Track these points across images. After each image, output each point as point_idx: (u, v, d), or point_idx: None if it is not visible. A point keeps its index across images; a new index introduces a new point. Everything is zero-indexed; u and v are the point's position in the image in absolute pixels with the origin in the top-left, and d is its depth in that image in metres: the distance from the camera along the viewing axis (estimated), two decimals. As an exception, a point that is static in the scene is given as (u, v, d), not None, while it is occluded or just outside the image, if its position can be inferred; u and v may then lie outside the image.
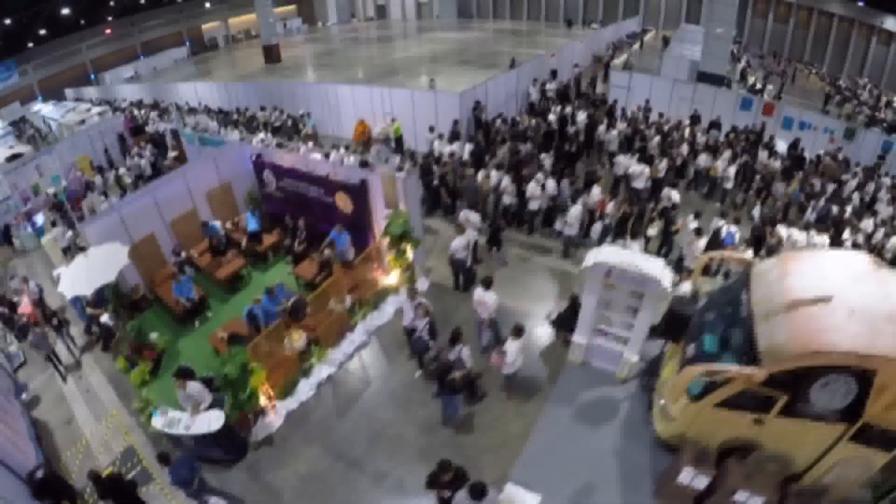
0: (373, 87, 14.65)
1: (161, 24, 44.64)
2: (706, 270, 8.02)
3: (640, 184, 10.16)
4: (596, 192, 8.98)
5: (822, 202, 10.79)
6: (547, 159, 10.29)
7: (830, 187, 12.24)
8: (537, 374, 6.99)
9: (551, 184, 9.06)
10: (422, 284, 8.75)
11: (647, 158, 10.59)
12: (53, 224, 12.96)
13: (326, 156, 12.10)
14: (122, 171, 16.40)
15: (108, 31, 42.27)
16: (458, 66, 25.51)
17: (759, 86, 24.35)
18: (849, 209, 11.02)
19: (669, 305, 6.04)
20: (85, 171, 16.69)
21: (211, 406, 6.15)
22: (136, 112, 23.36)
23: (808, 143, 14.83)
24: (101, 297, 8.39)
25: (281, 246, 10.27)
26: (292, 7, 51.08)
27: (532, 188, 9.00)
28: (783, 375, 4.68)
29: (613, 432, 6.13)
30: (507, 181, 9.14)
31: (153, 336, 8.06)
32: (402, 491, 5.79)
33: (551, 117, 13.26)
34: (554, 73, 18.16)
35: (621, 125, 12.67)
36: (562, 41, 26.55)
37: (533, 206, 8.92)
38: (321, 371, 7.55)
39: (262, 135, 14.20)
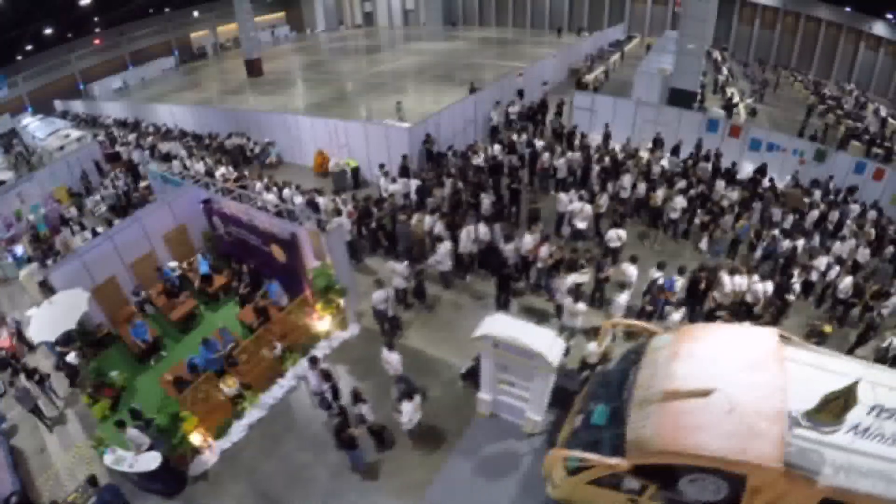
0: (328, 119, 14.84)
1: (150, 34, 44.95)
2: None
3: (581, 223, 10.21)
4: (528, 239, 8.99)
5: (771, 238, 10.47)
6: (486, 199, 10.38)
7: (790, 218, 11.79)
8: (446, 425, 7.27)
9: (483, 229, 9.16)
10: (353, 329, 9.04)
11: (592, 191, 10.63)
12: (29, 260, 13.43)
13: (280, 189, 12.29)
14: (96, 198, 16.71)
15: (97, 41, 42.53)
16: (432, 82, 25.68)
17: (735, 99, 24.25)
18: (801, 244, 10.63)
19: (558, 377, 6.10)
20: (62, 201, 17.05)
21: (151, 447, 6.93)
22: (116, 133, 23.72)
23: (777, 166, 14.72)
24: (69, 336, 9.08)
25: (230, 287, 10.71)
26: (281, 14, 51.21)
27: (463, 237, 9.13)
28: (649, 467, 4.59)
29: (512, 486, 6.33)
30: (440, 226, 9.25)
31: (113, 374, 8.77)
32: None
33: (495, 147, 13.21)
34: (521, 93, 18.17)
35: (574, 154, 12.63)
36: (545, 50, 26.66)
37: (464, 250, 8.99)
38: (253, 414, 8.07)
39: (223, 169, 14.39)
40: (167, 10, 43.77)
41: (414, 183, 11.25)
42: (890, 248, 10.92)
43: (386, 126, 13.52)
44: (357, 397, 6.53)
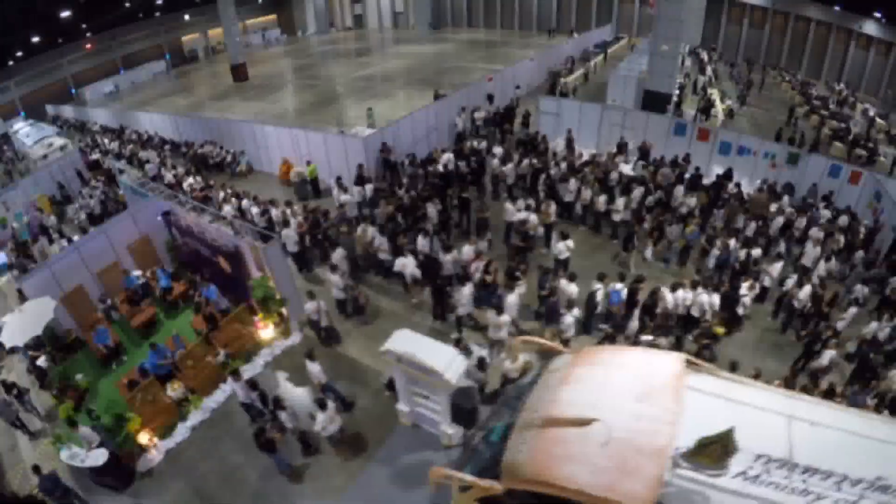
0: (291, 129, 15.19)
1: (141, 38, 45.43)
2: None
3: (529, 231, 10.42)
4: (467, 250, 9.22)
5: (724, 245, 10.20)
6: (431, 208, 10.63)
7: (752, 225, 11.48)
8: (371, 433, 7.65)
9: (422, 241, 9.41)
10: (294, 338, 9.40)
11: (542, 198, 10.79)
12: (10, 267, 13.95)
13: (239, 200, 12.60)
14: (74, 207, 17.13)
15: (88, 46, 43.03)
16: (409, 87, 25.99)
17: (715, 100, 24.30)
18: (756, 252, 10.29)
19: (451, 394, 6.25)
20: (44, 209, 17.50)
21: (101, 445, 7.51)
22: (100, 140, 24.18)
23: (749, 170, 14.52)
24: (40, 341, 9.71)
25: (188, 295, 11.18)
26: (273, 17, 51.63)
27: (400, 261, 9.33)
28: (523, 492, 4.37)
29: (423, 497, 6.48)
30: (380, 239, 9.52)
31: (78, 377, 9.37)
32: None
33: (446, 155, 13.34)
34: (490, 98, 18.36)
35: (523, 161, 12.81)
36: (530, 52, 26.84)
37: (399, 269, 9.25)
38: (196, 416, 8.60)
39: (190, 179, 14.76)
40: (158, 14, 44.11)
41: (369, 187, 11.51)
42: (860, 254, 10.73)
43: (343, 136, 13.76)
44: (277, 404, 6.83)
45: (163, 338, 10.00)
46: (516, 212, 10.48)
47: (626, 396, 4.53)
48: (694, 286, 8.86)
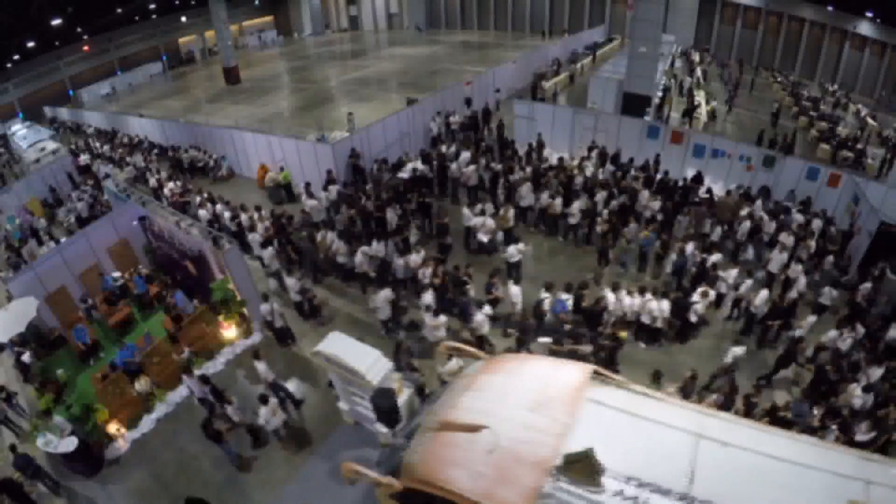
0: (267, 135, 15.78)
1: (138, 40, 46.16)
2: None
3: (484, 237, 10.83)
4: (414, 257, 9.62)
5: (679, 250, 10.32)
6: (391, 213, 11.06)
7: (718, 230, 11.54)
8: (316, 429, 8.22)
9: (375, 245, 9.86)
10: (255, 337, 9.87)
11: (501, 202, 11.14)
12: None
13: (214, 204, 13.11)
14: (65, 210, 17.74)
15: (86, 48, 43.77)
16: (395, 90, 26.47)
17: (700, 102, 24.43)
18: (715, 258, 10.20)
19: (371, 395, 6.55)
20: (35, 212, 18.14)
21: (72, 433, 8.18)
22: (92, 143, 24.82)
23: (724, 173, 14.46)
24: (25, 338, 10.48)
25: (162, 296, 11.77)
26: (270, 18, 52.27)
27: (359, 258, 9.85)
28: (417, 492, 4.54)
29: (358, 492, 6.84)
30: (339, 243, 9.98)
31: (59, 372, 10.10)
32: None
33: (410, 166, 13.69)
34: (468, 102, 18.73)
35: (496, 164, 13.20)
36: (521, 53, 27.18)
37: (360, 269, 9.70)
38: (161, 409, 9.27)
39: (171, 185, 15.30)
40: (154, 16, 44.79)
41: (334, 189, 11.99)
42: (829, 259, 10.68)
43: (313, 142, 14.25)
44: (223, 398, 7.28)
45: (136, 336, 10.70)
46: (473, 216, 10.86)
47: (520, 406, 4.64)
48: (642, 291, 8.98)
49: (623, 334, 8.38)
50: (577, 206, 11.41)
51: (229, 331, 10.00)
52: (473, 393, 4.99)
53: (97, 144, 24.92)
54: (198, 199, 13.91)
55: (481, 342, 8.17)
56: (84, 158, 21.09)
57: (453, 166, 13.05)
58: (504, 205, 11.39)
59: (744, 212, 12.04)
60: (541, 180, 12.69)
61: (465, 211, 11.07)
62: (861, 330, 8.86)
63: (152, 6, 41.53)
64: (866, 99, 34.63)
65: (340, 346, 6.56)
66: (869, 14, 32.72)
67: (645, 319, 8.97)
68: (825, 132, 22.35)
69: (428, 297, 8.62)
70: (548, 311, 8.54)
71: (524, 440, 4.33)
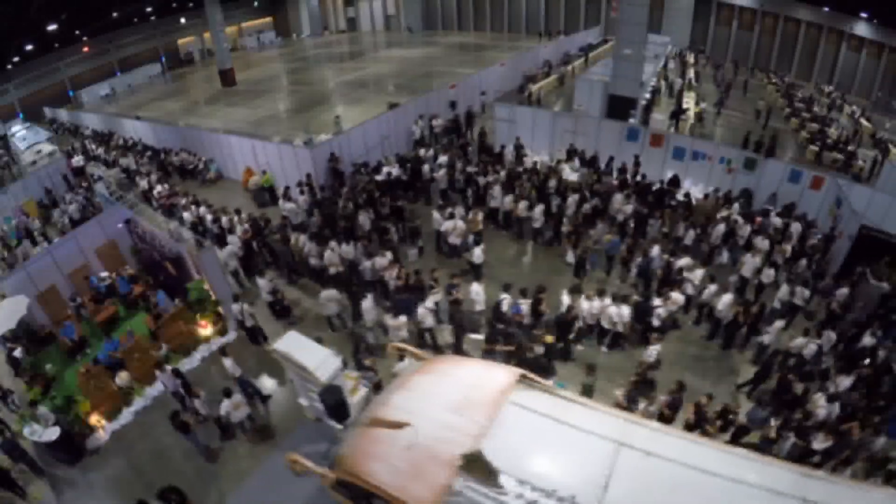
0: (252, 139, 16.51)
1: (138, 41, 46.95)
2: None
3: (455, 240, 11.21)
4: (380, 260, 10.00)
5: (643, 253, 10.49)
6: (363, 217, 11.47)
7: (691, 233, 11.58)
8: (280, 423, 8.71)
9: (345, 248, 10.29)
10: (231, 335, 10.31)
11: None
12: None
13: (198, 207, 13.61)
14: (60, 211, 18.33)
15: (85, 49, 44.55)
16: (386, 92, 26.90)
17: (689, 104, 24.58)
18: (683, 262, 10.35)
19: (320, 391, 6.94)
20: (31, 213, 18.74)
21: (56, 424, 8.72)
22: (88, 146, 25.46)
23: (704, 175, 14.61)
24: (17, 334, 11.08)
25: (146, 296, 12.32)
26: (269, 19, 52.94)
27: (328, 255, 10.26)
28: (348, 483, 4.81)
29: (314, 484, 7.24)
30: (310, 245, 10.42)
31: (48, 367, 10.74)
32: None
33: (385, 170, 14.06)
34: (453, 105, 19.11)
35: (471, 167, 13.59)
36: (515, 55, 27.53)
37: (331, 270, 10.13)
38: (139, 403, 9.81)
39: (159, 188, 15.88)
40: (153, 17, 45.50)
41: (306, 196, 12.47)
42: (803, 262, 10.71)
43: (293, 146, 14.72)
44: (190, 392, 7.73)
45: (121, 333, 11.19)
46: (443, 220, 11.26)
47: (443, 406, 4.88)
48: (601, 295, 9.11)
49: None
50: (539, 209, 11.73)
51: (206, 329, 10.45)
52: (404, 392, 5.30)
53: (93, 146, 25.55)
54: (182, 201, 14.40)
55: (422, 335, 8.61)
56: (77, 160, 21.66)
57: (425, 168, 13.45)
58: (473, 208, 11.75)
59: (721, 215, 12.10)
60: (514, 183, 13.05)
61: (436, 215, 11.49)
62: (832, 337, 8.82)
63: (149, 9, 42.07)
64: (863, 100, 34.69)
65: (295, 345, 7.01)
66: (864, 14, 32.81)
67: (605, 324, 9.10)
68: (815, 134, 22.33)
69: (367, 303, 9.08)
70: (506, 311, 8.86)
71: (441, 439, 4.55)
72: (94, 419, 9.34)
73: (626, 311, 8.91)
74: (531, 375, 5.37)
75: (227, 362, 8.44)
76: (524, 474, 4.30)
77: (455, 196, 13.48)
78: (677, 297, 9.49)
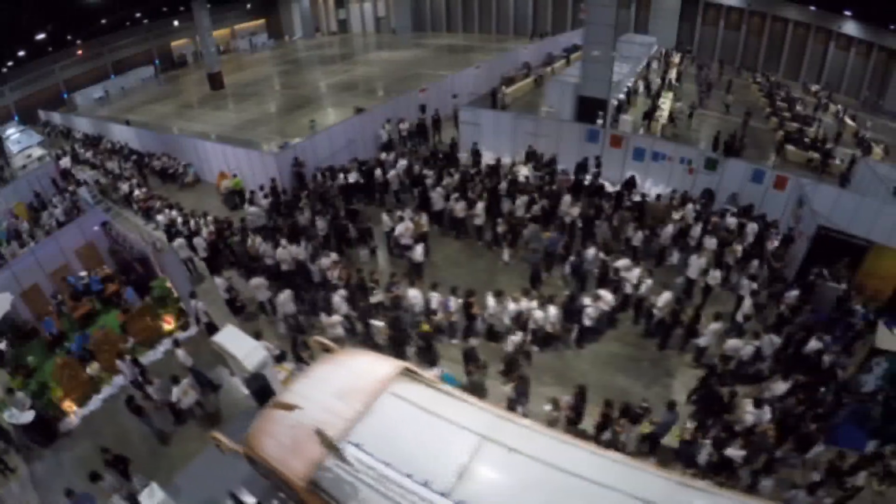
0: (224, 144, 17.61)
1: (131, 44, 48.22)
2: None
3: (406, 240, 12.10)
4: (325, 261, 10.84)
5: (576, 253, 10.95)
6: (320, 222, 12.38)
7: (639, 234, 11.87)
8: (227, 410, 9.70)
9: (294, 248, 11.25)
10: (192, 330, 11.25)
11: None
12: None
13: (170, 209, 14.63)
14: (46, 214, 19.43)
15: (80, 52, 45.82)
16: (365, 95, 27.92)
17: (665, 104, 25.05)
18: (620, 263, 10.66)
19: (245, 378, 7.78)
20: (21, 216, 19.85)
21: (32, 408, 9.76)
22: (77, 149, 26.63)
23: (664, 176, 15.00)
24: (1, 329, 12.21)
25: (120, 293, 13.34)
26: (261, 21, 54.10)
27: (279, 252, 11.20)
28: (251, 457, 5.62)
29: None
30: (265, 246, 11.38)
31: (30, 358, 11.69)
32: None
33: (341, 176, 14.81)
34: (423, 108, 19.99)
35: (427, 171, 14.48)
36: (488, 58, 28.40)
37: (283, 267, 11.07)
38: (107, 390, 10.92)
39: (137, 191, 17.04)
40: (146, 21, 46.71)
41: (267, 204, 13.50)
42: (755, 263, 10.86)
43: (260, 152, 15.72)
44: (145, 378, 8.69)
45: (96, 328, 12.34)
46: (391, 222, 12.16)
47: (330, 392, 5.50)
48: (526, 295, 9.49)
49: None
50: (480, 207, 12.54)
51: (169, 324, 11.48)
52: (305, 379, 6.05)
53: (82, 150, 26.69)
54: (157, 204, 15.42)
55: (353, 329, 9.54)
56: (64, 162, 22.78)
57: (377, 172, 14.41)
58: (417, 211, 12.63)
59: (676, 216, 12.50)
60: (467, 185, 13.90)
61: (384, 217, 12.39)
62: (775, 340, 8.96)
63: (138, 14, 43.23)
64: (852, 99, 35.22)
65: (229, 337, 7.98)
66: (847, 13, 33.30)
67: (532, 325, 9.37)
68: (793, 133, 22.78)
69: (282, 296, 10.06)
70: (435, 307, 9.71)
71: (321, 421, 5.07)
72: (67, 405, 10.49)
73: (552, 312, 9.25)
74: (414, 369, 5.96)
75: (180, 353, 9.44)
76: (387, 457, 4.86)
77: (407, 198, 14.36)
78: (607, 296, 9.76)
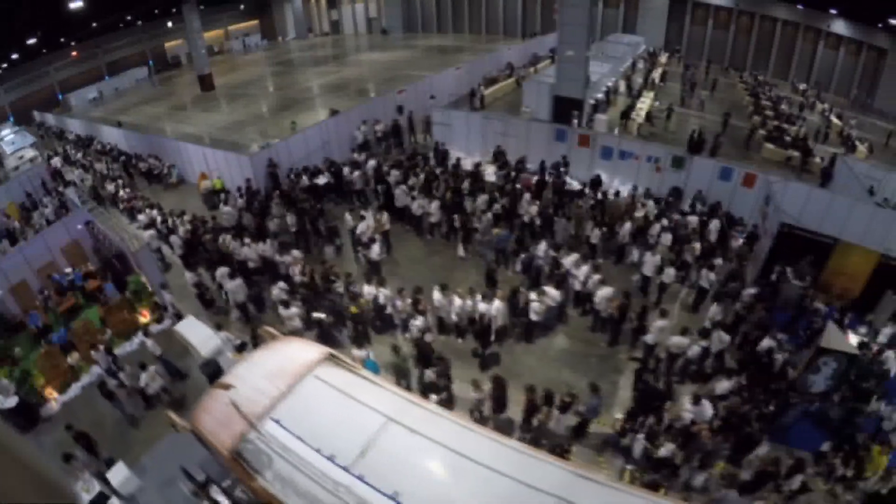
0: (204, 147, 18.76)
1: (125, 45, 49.31)
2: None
3: (366, 238, 12.89)
4: (287, 257, 11.67)
5: (525, 249, 11.51)
6: (289, 218, 13.20)
7: (596, 232, 12.32)
8: (192, 395, 10.27)
9: (260, 246, 12.10)
10: (167, 323, 12.14)
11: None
12: None
13: (152, 209, 15.50)
14: (37, 214, 20.37)
15: (74, 53, 46.91)
16: (349, 96, 28.82)
17: (639, 105, 25.55)
18: (569, 259, 11.07)
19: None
20: (12, 215, 20.75)
21: (15, 394, 10.64)
22: (69, 150, 27.63)
23: (632, 175, 15.42)
24: None
25: (101, 288, 14.20)
26: (255, 22, 55.10)
27: (245, 251, 12.11)
28: (195, 432, 6.21)
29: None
30: (234, 244, 12.29)
31: (16, 350, 12.57)
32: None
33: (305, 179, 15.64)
34: (400, 109, 20.78)
35: (396, 171, 15.28)
36: (488, 56, 29.10)
37: (250, 264, 11.93)
38: (86, 378, 11.81)
39: (122, 192, 18.07)
40: (140, 22, 47.74)
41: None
42: (718, 262, 11.03)
43: (238, 155, 16.60)
44: (117, 366, 9.53)
45: (79, 321, 13.11)
46: (352, 221, 12.96)
47: (262, 374, 6.11)
48: (471, 293, 9.89)
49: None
50: (434, 204, 13.35)
51: (146, 317, 12.36)
52: (246, 363, 6.77)
53: (73, 151, 27.67)
54: (139, 204, 16.31)
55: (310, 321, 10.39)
56: (55, 162, 23.75)
57: (345, 170, 15.24)
58: (378, 210, 13.48)
59: (639, 213, 12.99)
60: (432, 185, 14.70)
61: (347, 216, 13.21)
62: (724, 337, 9.14)
63: (129, 17, 44.18)
64: (842, 98, 35.74)
65: (189, 327, 8.84)
66: (833, 11, 33.81)
67: (477, 318, 9.77)
68: (773, 132, 23.26)
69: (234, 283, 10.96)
70: (383, 303, 10.45)
71: (249, 398, 5.75)
72: (48, 392, 11.39)
73: (497, 305, 9.57)
74: (338, 355, 6.63)
75: (149, 342, 10.34)
76: (302, 432, 5.51)
77: (372, 197, 15.19)
78: (552, 292, 10.14)
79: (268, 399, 5.78)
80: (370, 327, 10.80)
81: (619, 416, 8.26)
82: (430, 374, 8.64)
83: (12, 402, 10.43)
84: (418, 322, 9.51)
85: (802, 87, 35.76)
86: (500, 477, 4.81)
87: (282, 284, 10.82)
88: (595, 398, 8.12)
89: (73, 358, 11.75)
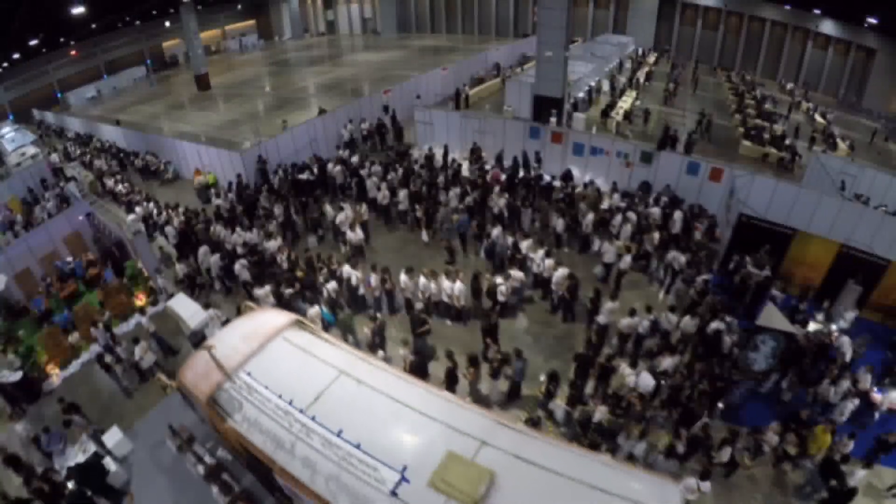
0: (198, 144, 20.15)
1: (124, 44, 50.85)
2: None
3: (345, 227, 14.20)
4: (272, 243, 12.93)
5: (487, 235, 12.51)
6: (277, 209, 14.54)
7: (560, 222, 13.37)
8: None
9: (247, 234, 13.43)
10: (161, 305, 13.51)
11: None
12: None
13: (148, 203, 16.85)
14: (38, 208, 21.76)
15: (73, 52, 48.42)
16: (340, 96, 30.19)
17: (620, 103, 26.59)
18: (525, 243, 12.05)
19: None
20: (14, 209, 22.18)
21: (20, 369, 11.85)
22: (69, 148, 29.07)
23: (604, 170, 16.58)
24: None
25: (101, 275, 15.67)
26: (252, 22, 56.61)
27: (233, 238, 13.43)
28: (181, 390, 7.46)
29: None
30: (224, 232, 13.65)
31: (20, 332, 13.87)
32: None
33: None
34: (386, 109, 22.10)
35: (377, 167, 16.59)
36: (479, 55, 30.31)
37: (238, 250, 13.35)
38: (85, 356, 13.02)
39: (120, 187, 19.39)
40: (138, 22, 49.26)
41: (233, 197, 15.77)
42: (682, 257, 11.55)
43: (229, 152, 17.97)
44: (114, 341, 10.82)
45: (79, 305, 14.32)
46: (332, 212, 14.29)
47: (238, 336, 7.19)
48: (433, 275, 10.87)
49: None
50: (402, 193, 14.70)
51: (141, 301, 13.71)
52: (228, 329, 7.87)
53: (73, 148, 29.11)
54: (136, 198, 17.69)
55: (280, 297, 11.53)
56: (54, 158, 25.16)
57: (329, 166, 16.58)
58: (356, 202, 14.80)
59: (604, 205, 14.14)
60: (409, 178, 16.05)
61: (327, 207, 14.53)
62: (672, 318, 9.98)
63: (128, 18, 45.66)
64: (830, 98, 36.80)
65: (179, 302, 10.13)
66: (817, 11, 34.80)
67: (444, 299, 10.73)
68: (751, 129, 24.40)
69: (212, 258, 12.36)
70: (355, 284, 11.59)
71: (225, 355, 6.77)
72: (50, 367, 12.66)
73: (458, 287, 10.65)
74: (305, 321, 7.81)
75: (143, 320, 11.62)
76: (268, 382, 6.56)
77: (350, 190, 16.61)
78: (517, 274, 11.17)
79: (241, 356, 6.86)
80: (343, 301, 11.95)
81: (543, 378, 8.82)
82: (367, 332, 10.21)
83: (17, 376, 11.67)
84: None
85: (790, 86, 36.82)
86: (431, 421, 5.73)
87: (243, 262, 12.25)
88: (519, 361, 8.96)
89: (73, 337, 13.07)
